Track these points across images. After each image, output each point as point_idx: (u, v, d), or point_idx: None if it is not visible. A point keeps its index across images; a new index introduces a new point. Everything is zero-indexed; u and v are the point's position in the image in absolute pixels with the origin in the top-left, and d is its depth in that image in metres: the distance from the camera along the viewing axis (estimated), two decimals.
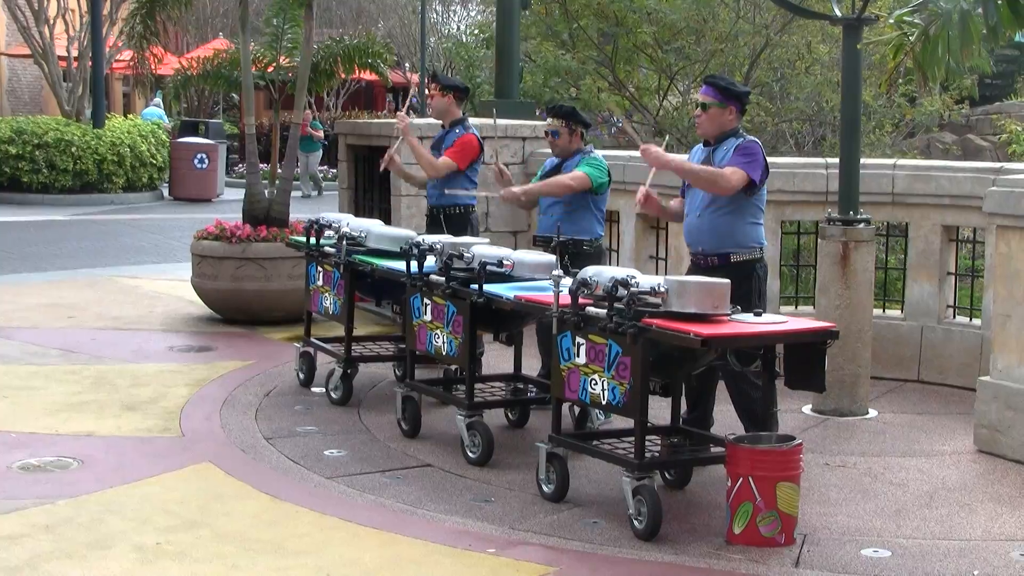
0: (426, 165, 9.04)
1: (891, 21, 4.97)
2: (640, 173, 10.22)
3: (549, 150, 8.43)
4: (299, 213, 12.18)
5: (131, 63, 13.52)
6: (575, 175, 8.02)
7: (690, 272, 7.16)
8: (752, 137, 7.11)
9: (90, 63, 24.91)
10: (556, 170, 8.16)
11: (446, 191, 8.90)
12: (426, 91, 9.56)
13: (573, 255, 7.53)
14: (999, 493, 6.87)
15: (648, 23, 17.00)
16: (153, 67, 13.45)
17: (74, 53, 26.02)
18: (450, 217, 9.03)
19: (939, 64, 4.67)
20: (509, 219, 11.43)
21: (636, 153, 11.75)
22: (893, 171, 9.55)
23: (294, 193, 13.78)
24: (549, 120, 8.35)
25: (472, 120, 9.57)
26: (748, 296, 6.79)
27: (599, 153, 8.41)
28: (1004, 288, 7.53)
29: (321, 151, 28.34)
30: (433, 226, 9.00)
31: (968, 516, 6.47)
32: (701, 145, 7.25)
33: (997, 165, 9.71)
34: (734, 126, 7.08)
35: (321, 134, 28.12)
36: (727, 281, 6.25)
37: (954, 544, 6.05)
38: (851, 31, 8.31)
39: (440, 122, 9.36)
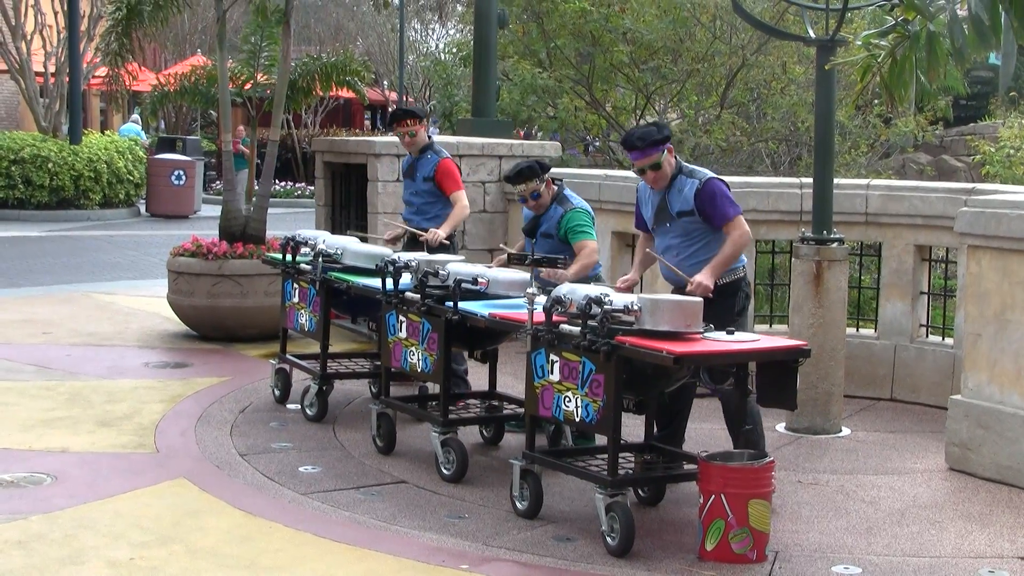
0: (461, 217, 8.97)
1: (859, 43, 5.02)
2: (616, 192, 10.32)
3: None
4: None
5: (106, 80, 13.52)
6: (590, 252, 7.68)
7: (675, 292, 7.07)
8: (704, 173, 7.01)
9: (67, 79, 24.87)
10: (534, 223, 7.87)
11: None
12: (400, 127, 9.01)
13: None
14: (969, 511, 6.92)
15: (625, 43, 17.08)
16: (128, 84, 13.45)
17: (51, 69, 25.98)
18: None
19: (906, 86, 4.72)
20: (485, 237, 11.48)
21: (612, 172, 11.83)
22: (867, 191, 9.62)
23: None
24: (520, 188, 7.76)
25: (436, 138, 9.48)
26: (731, 311, 6.86)
27: (575, 199, 7.92)
28: (975, 307, 7.59)
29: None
30: (413, 247, 8.93)
31: (938, 533, 6.52)
32: (647, 187, 7.12)
33: (969, 186, 9.79)
34: (675, 163, 7.03)
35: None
36: (700, 300, 6.30)
37: (924, 561, 6.09)
38: (825, 52, 8.39)
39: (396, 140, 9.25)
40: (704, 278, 6.79)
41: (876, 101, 17.18)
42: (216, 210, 13.56)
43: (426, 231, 8.80)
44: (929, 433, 8.54)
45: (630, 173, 12.18)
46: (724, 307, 6.81)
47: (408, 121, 9.05)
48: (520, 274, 7.37)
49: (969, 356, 7.66)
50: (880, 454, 8.07)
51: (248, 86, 13.39)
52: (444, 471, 7.29)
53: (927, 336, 9.56)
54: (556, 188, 7.87)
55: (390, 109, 38.22)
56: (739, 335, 6.29)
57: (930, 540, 6.41)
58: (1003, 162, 16.07)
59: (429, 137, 9.24)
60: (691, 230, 6.97)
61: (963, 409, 7.62)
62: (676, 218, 6.97)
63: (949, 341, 9.32)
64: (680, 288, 6.97)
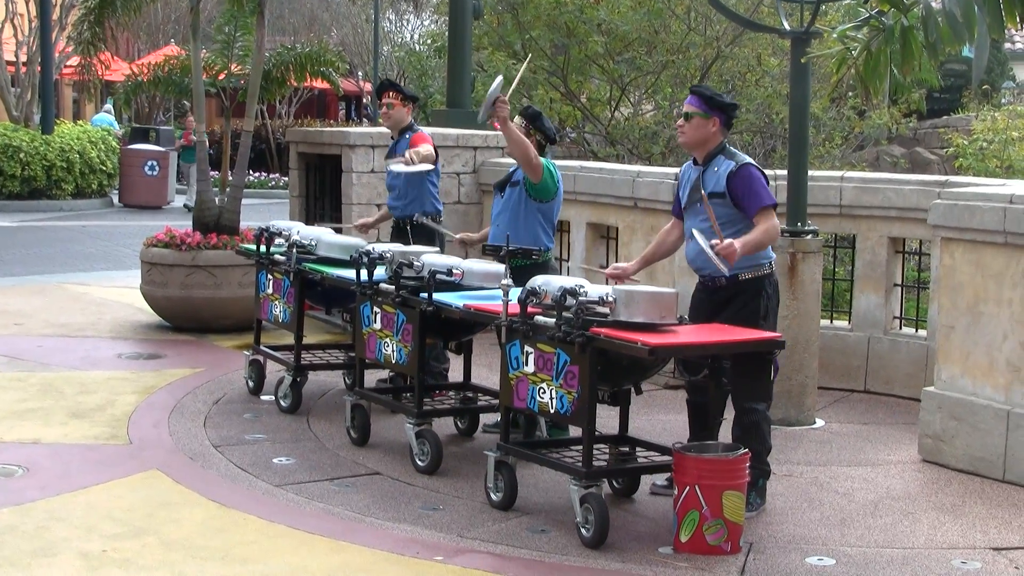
0: (429, 154, 8.65)
1: (835, 36, 5.02)
2: (591, 183, 10.31)
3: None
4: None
5: (78, 69, 13.43)
6: (536, 160, 7.66)
7: (696, 294, 6.87)
8: (743, 158, 6.77)
9: (39, 68, 24.73)
10: (509, 176, 7.94)
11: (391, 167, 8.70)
12: (383, 99, 9.14)
13: (518, 266, 7.41)
14: (942, 502, 6.95)
15: (599, 34, 17.07)
16: (101, 73, 13.36)
17: (23, 58, 25.82)
18: (416, 228, 8.84)
19: (881, 79, 4.72)
20: (460, 229, 11.44)
21: (587, 163, 11.82)
22: (841, 183, 9.64)
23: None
24: (515, 119, 7.93)
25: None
26: (756, 314, 6.61)
27: (555, 163, 8.14)
28: (948, 300, 7.62)
29: None
30: (399, 237, 8.87)
31: (911, 525, 6.54)
32: (691, 163, 6.93)
33: (943, 178, 9.83)
34: (719, 140, 6.76)
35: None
36: (675, 291, 6.30)
37: (897, 552, 6.12)
38: (800, 44, 8.41)
39: (389, 132, 9.26)
40: (734, 244, 6.37)
41: (850, 94, 17.23)
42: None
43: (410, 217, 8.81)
44: (902, 425, 8.57)
45: (605, 164, 12.20)
46: (747, 310, 6.58)
47: (390, 93, 9.05)
48: (495, 265, 7.36)
49: (942, 348, 7.69)
50: (854, 446, 8.10)
51: (222, 76, 13.32)
52: (419, 462, 7.29)
53: (901, 328, 9.59)
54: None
55: (365, 100, 38.18)
56: (714, 327, 6.29)
57: (903, 531, 6.44)
58: (976, 155, 16.12)
59: (411, 120, 9.13)
60: (721, 215, 6.58)
61: (936, 401, 7.65)
62: (708, 198, 6.61)
63: (922, 333, 9.35)
64: (702, 276, 6.75)
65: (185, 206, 24.56)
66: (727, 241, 6.38)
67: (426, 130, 9.39)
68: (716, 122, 6.74)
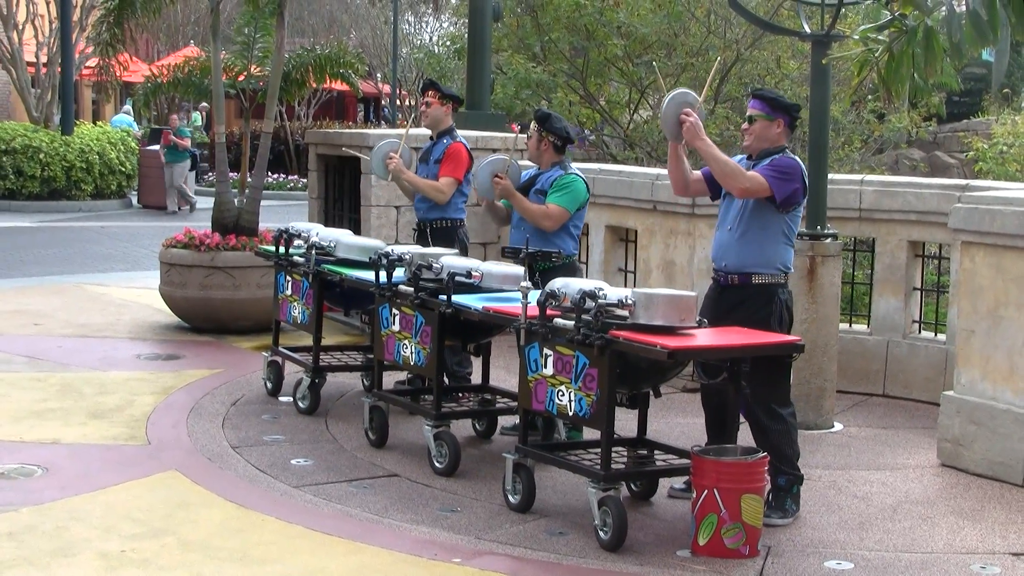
0: (431, 192, 8.73)
1: (856, 37, 5.00)
2: (610, 186, 10.30)
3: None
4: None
5: (97, 70, 13.47)
6: (551, 212, 7.72)
7: (710, 291, 6.84)
8: (794, 155, 6.72)
9: (59, 69, 24.81)
10: (531, 182, 7.94)
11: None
12: (421, 98, 9.06)
13: (543, 269, 7.47)
14: (961, 507, 6.92)
15: (619, 37, 17.07)
16: (119, 74, 13.40)
17: (43, 59, 25.93)
18: (437, 231, 8.79)
19: (903, 81, 4.71)
20: (479, 231, 11.44)
21: (606, 166, 11.81)
22: (860, 187, 9.62)
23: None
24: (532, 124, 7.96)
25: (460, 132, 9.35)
26: (768, 320, 6.55)
27: (576, 167, 8.13)
28: (968, 303, 7.59)
29: (189, 162, 25.31)
30: (420, 240, 8.81)
31: (930, 529, 6.52)
32: (744, 157, 6.84)
33: (963, 182, 9.80)
34: (782, 142, 6.72)
35: (188, 142, 25.17)
36: (694, 294, 6.29)
37: (916, 557, 6.10)
38: (820, 48, 8.39)
39: (429, 132, 9.10)
40: (700, 133, 6.55)
41: (870, 97, 17.20)
42: (208, 202, 13.55)
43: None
44: (921, 429, 8.54)
45: (624, 167, 12.19)
46: (758, 316, 6.51)
47: (431, 92, 8.98)
48: (514, 268, 7.35)
49: (962, 352, 7.66)
50: (872, 450, 8.07)
51: (242, 78, 13.35)
52: (437, 464, 7.29)
53: (920, 332, 9.56)
54: (556, 156, 7.85)
55: (383, 102, 38.21)
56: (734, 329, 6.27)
57: (922, 536, 6.42)
58: (996, 159, 16.09)
59: (452, 124, 9.05)
60: (751, 205, 6.60)
61: (955, 405, 7.62)
62: None
63: (942, 337, 9.32)
64: (716, 272, 6.74)
65: (170, 210, 24.29)
66: (693, 120, 6.54)
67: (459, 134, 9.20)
68: (781, 123, 6.71)
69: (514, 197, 7.77)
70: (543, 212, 7.74)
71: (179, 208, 24.57)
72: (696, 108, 6.66)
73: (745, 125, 6.83)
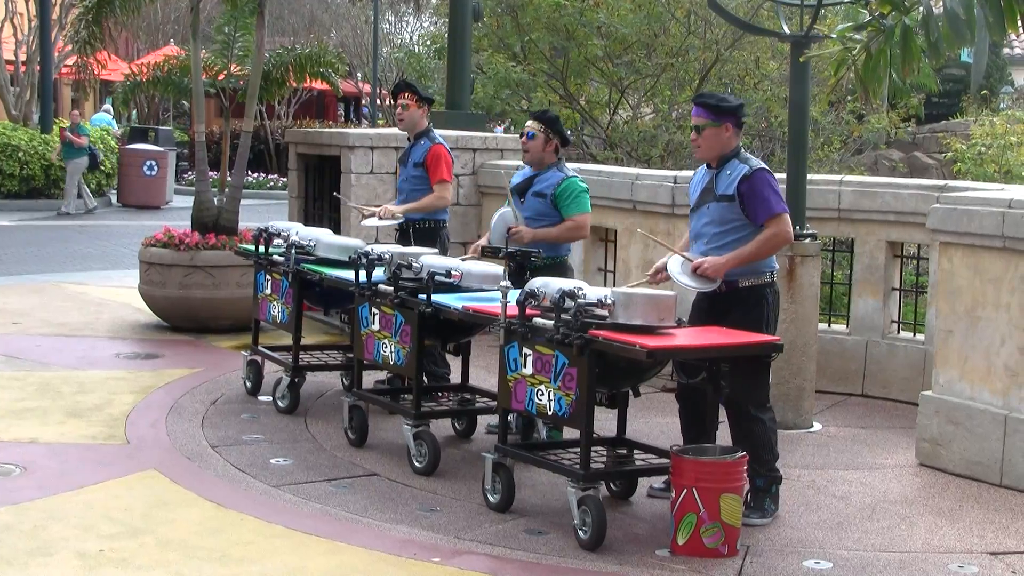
0: (436, 205, 8.76)
1: (833, 36, 5.02)
2: (589, 186, 10.29)
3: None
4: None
5: (75, 68, 13.41)
6: (578, 223, 7.68)
7: (697, 301, 6.76)
8: (757, 163, 6.67)
9: (38, 67, 24.71)
10: (528, 183, 7.81)
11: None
12: (398, 99, 8.97)
13: (534, 268, 7.38)
14: (939, 506, 6.95)
15: (599, 37, 17.09)
16: (98, 73, 13.34)
17: (22, 57, 25.81)
18: (420, 231, 8.77)
19: (880, 80, 4.72)
20: (459, 230, 11.45)
21: (586, 166, 11.83)
22: (839, 187, 9.64)
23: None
24: (529, 123, 7.86)
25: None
26: (759, 322, 6.52)
27: (571, 168, 8.06)
28: (946, 304, 7.62)
29: (87, 160, 23.91)
30: (403, 240, 8.78)
31: (909, 529, 6.54)
32: (704, 168, 6.81)
33: (941, 183, 9.84)
34: (734, 144, 6.65)
35: (85, 141, 23.73)
36: (673, 294, 6.29)
37: (894, 556, 6.12)
38: (799, 48, 8.41)
39: (405, 133, 9.09)
40: (720, 259, 6.43)
41: (849, 97, 17.25)
42: (188, 201, 13.50)
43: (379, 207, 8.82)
44: (900, 429, 8.57)
45: (604, 167, 12.20)
46: (750, 319, 6.48)
47: (406, 94, 8.93)
48: (494, 267, 7.35)
49: (940, 352, 7.69)
50: (851, 449, 8.10)
51: (222, 77, 13.30)
52: (416, 464, 7.28)
53: (898, 332, 9.59)
54: (556, 157, 7.80)
55: (364, 102, 38.11)
56: (712, 329, 6.29)
57: (900, 535, 6.44)
58: (974, 159, 16.13)
59: (429, 124, 9.02)
60: (728, 218, 6.54)
61: (934, 405, 7.65)
62: (716, 200, 6.58)
63: (920, 337, 9.36)
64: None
65: (64, 212, 23.13)
66: (711, 260, 6.41)
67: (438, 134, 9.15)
68: (728, 127, 6.64)
69: (536, 238, 7.61)
70: (571, 229, 7.70)
71: (71, 210, 23.20)
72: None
73: (693, 136, 6.71)
